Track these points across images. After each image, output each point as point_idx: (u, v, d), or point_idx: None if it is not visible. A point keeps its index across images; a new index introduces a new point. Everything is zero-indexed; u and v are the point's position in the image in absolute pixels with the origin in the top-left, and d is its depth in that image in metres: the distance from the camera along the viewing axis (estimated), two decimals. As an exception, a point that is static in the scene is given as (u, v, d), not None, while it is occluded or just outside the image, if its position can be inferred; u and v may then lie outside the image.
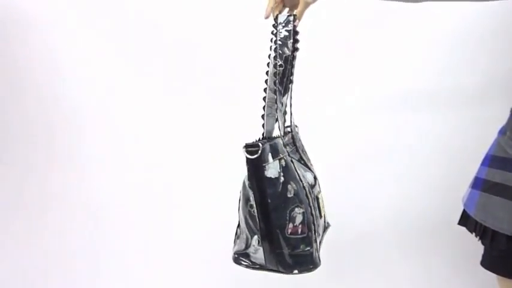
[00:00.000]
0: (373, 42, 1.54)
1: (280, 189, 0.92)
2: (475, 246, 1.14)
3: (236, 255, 0.99)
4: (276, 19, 1.00)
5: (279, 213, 0.92)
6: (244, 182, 0.95)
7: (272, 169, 0.92)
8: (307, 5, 1.02)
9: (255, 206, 0.93)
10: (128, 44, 1.62)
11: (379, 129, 1.58)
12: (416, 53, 1.54)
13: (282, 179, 0.93)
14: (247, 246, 0.96)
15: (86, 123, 1.67)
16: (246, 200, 0.94)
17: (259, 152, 0.90)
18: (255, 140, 0.94)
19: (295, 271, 0.95)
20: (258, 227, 0.93)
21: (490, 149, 1.09)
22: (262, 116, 1.00)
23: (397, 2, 1.13)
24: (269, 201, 0.92)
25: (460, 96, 1.54)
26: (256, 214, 0.93)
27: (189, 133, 1.63)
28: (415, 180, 1.60)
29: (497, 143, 1.07)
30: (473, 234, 1.09)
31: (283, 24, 0.99)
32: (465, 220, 1.11)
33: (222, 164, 1.58)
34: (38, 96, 1.67)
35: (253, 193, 0.93)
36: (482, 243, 1.08)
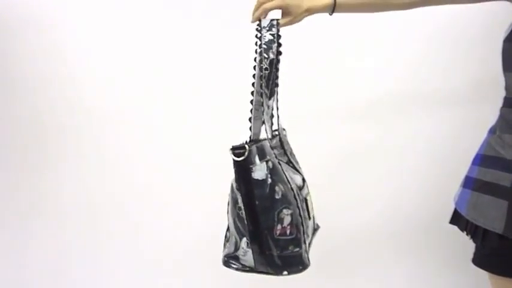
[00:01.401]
0: (363, 43, 1.55)
1: (267, 191, 0.92)
2: (466, 245, 1.15)
3: (226, 259, 0.99)
4: (259, 23, 1.01)
5: (266, 214, 0.92)
6: (232, 185, 0.96)
7: (259, 171, 0.93)
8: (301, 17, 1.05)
9: (243, 208, 0.93)
10: (126, 44, 1.61)
11: (370, 130, 1.58)
12: (407, 54, 1.54)
13: (270, 180, 0.93)
14: (237, 248, 0.97)
15: (83, 124, 1.66)
16: (235, 202, 0.95)
17: (246, 154, 0.91)
18: (242, 143, 0.94)
19: (285, 272, 0.96)
20: (247, 229, 0.94)
21: (480, 149, 1.09)
22: (250, 119, 1.01)
23: (387, 11, 1.15)
24: (257, 202, 0.92)
25: (451, 96, 1.55)
26: (244, 216, 0.93)
27: (178, 136, 1.63)
28: (407, 180, 1.60)
29: (487, 143, 1.07)
30: (465, 233, 1.09)
31: (267, 28, 0.99)
32: (457, 219, 1.12)
33: (211, 166, 1.58)
34: (33, 97, 1.66)
35: (240, 195, 0.93)
36: (474, 241, 1.08)
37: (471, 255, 1.12)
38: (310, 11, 1.09)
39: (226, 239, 1.01)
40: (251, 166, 0.92)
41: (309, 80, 1.55)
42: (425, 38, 1.52)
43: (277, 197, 0.93)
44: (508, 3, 1.08)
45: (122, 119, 1.65)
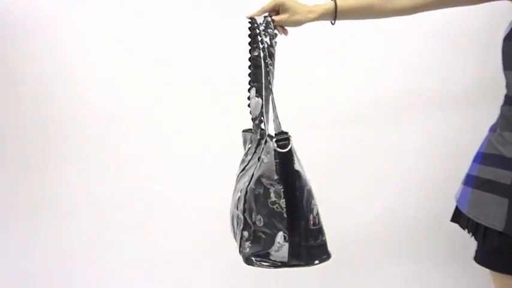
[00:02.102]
0: (362, 42, 1.55)
1: (303, 182, 0.92)
2: (468, 242, 1.15)
3: (253, 257, 0.95)
4: (253, 20, 1.01)
5: (303, 205, 0.92)
6: (258, 181, 0.93)
7: (297, 162, 0.93)
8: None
9: (279, 202, 0.91)
10: (129, 44, 1.62)
11: (370, 129, 1.59)
12: (405, 53, 1.55)
13: (302, 171, 0.93)
14: (269, 245, 0.93)
15: (84, 124, 1.67)
16: (265, 198, 0.92)
17: (291, 145, 0.90)
18: (278, 134, 0.93)
19: (316, 261, 0.95)
20: (285, 223, 0.92)
21: (481, 147, 1.10)
22: (260, 114, 1.00)
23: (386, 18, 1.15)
24: (297, 194, 0.91)
25: (451, 95, 1.55)
26: (281, 210, 0.91)
27: (181, 136, 1.64)
28: (407, 178, 1.60)
29: (488, 141, 1.08)
30: (466, 230, 1.10)
31: (264, 25, 1.00)
32: (458, 217, 1.12)
33: (215, 166, 1.59)
34: (34, 96, 1.67)
35: (283, 188, 0.91)
36: (475, 239, 1.09)
37: (473, 253, 1.12)
38: (314, 12, 1.09)
39: (245, 239, 0.96)
40: (293, 157, 0.91)
41: (308, 81, 1.56)
42: (424, 37, 1.52)
43: (307, 187, 0.93)
44: (507, 1, 1.08)
45: (125, 119, 1.65)
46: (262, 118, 1.03)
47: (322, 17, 1.10)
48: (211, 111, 1.62)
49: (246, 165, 1.05)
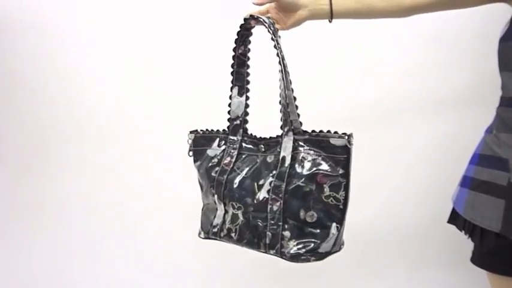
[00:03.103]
0: (361, 44, 1.55)
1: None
2: (465, 244, 1.15)
3: (302, 254, 0.96)
4: (257, 18, 1.01)
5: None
6: (305, 181, 0.95)
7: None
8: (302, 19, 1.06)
9: (335, 195, 0.94)
10: (128, 46, 1.62)
11: (368, 131, 1.59)
12: (403, 55, 1.55)
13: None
14: (325, 237, 0.95)
15: (83, 125, 1.68)
16: (319, 193, 0.94)
17: (352, 139, 0.93)
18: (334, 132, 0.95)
19: (342, 246, 1.01)
20: (339, 214, 0.95)
21: (477, 148, 1.10)
22: (287, 114, 0.99)
23: (385, 18, 1.15)
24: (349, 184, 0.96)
25: (448, 96, 1.55)
26: (337, 202, 0.94)
27: (181, 139, 1.63)
28: (404, 179, 1.60)
29: (484, 142, 1.07)
30: (463, 232, 1.10)
31: (273, 26, 1.00)
32: (454, 218, 1.12)
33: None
34: (33, 97, 1.68)
35: (345, 181, 0.94)
36: (472, 240, 1.09)
37: (470, 255, 1.12)
38: (308, 7, 1.07)
39: (289, 238, 0.96)
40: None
41: (308, 81, 1.55)
42: (422, 38, 1.53)
43: None
44: (505, 4, 1.08)
45: (124, 121, 1.66)
46: (246, 118, 1.07)
47: (320, 14, 1.09)
48: (211, 113, 1.62)
49: (247, 166, 1.04)
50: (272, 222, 0.97)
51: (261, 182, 0.99)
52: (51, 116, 1.68)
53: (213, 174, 1.08)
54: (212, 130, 1.12)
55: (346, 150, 0.93)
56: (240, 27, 1.04)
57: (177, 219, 1.68)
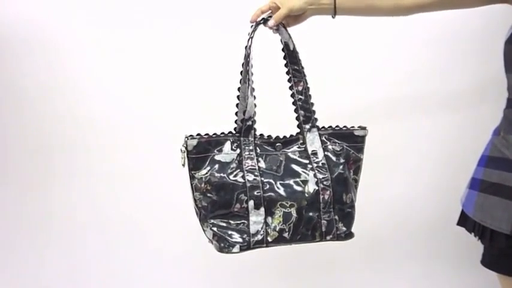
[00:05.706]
0: (364, 44, 1.56)
1: None
2: (474, 246, 1.15)
3: (352, 231, 1.10)
4: (266, 21, 1.06)
5: None
6: (343, 169, 1.09)
7: None
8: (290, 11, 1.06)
9: (356, 176, 1.13)
10: (131, 53, 1.62)
11: (372, 132, 1.58)
12: (407, 55, 1.55)
13: None
14: (355, 214, 1.11)
15: (87, 135, 1.67)
16: (350, 178, 1.11)
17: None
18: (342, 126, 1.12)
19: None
20: (356, 193, 1.14)
21: (485, 150, 1.10)
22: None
23: (386, 16, 1.15)
24: None
25: (453, 98, 1.55)
26: (356, 183, 1.14)
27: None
28: (413, 182, 1.60)
29: (492, 144, 1.08)
30: (473, 234, 1.10)
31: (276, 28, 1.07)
32: (464, 220, 1.12)
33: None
34: (38, 109, 1.68)
35: (361, 164, 1.14)
36: (482, 242, 1.09)
37: (480, 257, 1.12)
38: (313, 5, 1.08)
39: (337, 220, 1.07)
40: None
41: (309, 82, 1.56)
42: (425, 39, 1.53)
43: None
44: (508, 4, 1.09)
45: (129, 129, 1.66)
46: (255, 118, 1.07)
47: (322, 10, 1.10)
48: (213, 116, 1.62)
49: (274, 165, 1.06)
50: (324, 210, 1.05)
51: (302, 177, 1.05)
52: (55, 128, 1.68)
53: (239, 179, 1.02)
54: (215, 133, 1.03)
55: (364, 138, 1.14)
56: (254, 29, 1.06)
57: (185, 228, 1.67)
